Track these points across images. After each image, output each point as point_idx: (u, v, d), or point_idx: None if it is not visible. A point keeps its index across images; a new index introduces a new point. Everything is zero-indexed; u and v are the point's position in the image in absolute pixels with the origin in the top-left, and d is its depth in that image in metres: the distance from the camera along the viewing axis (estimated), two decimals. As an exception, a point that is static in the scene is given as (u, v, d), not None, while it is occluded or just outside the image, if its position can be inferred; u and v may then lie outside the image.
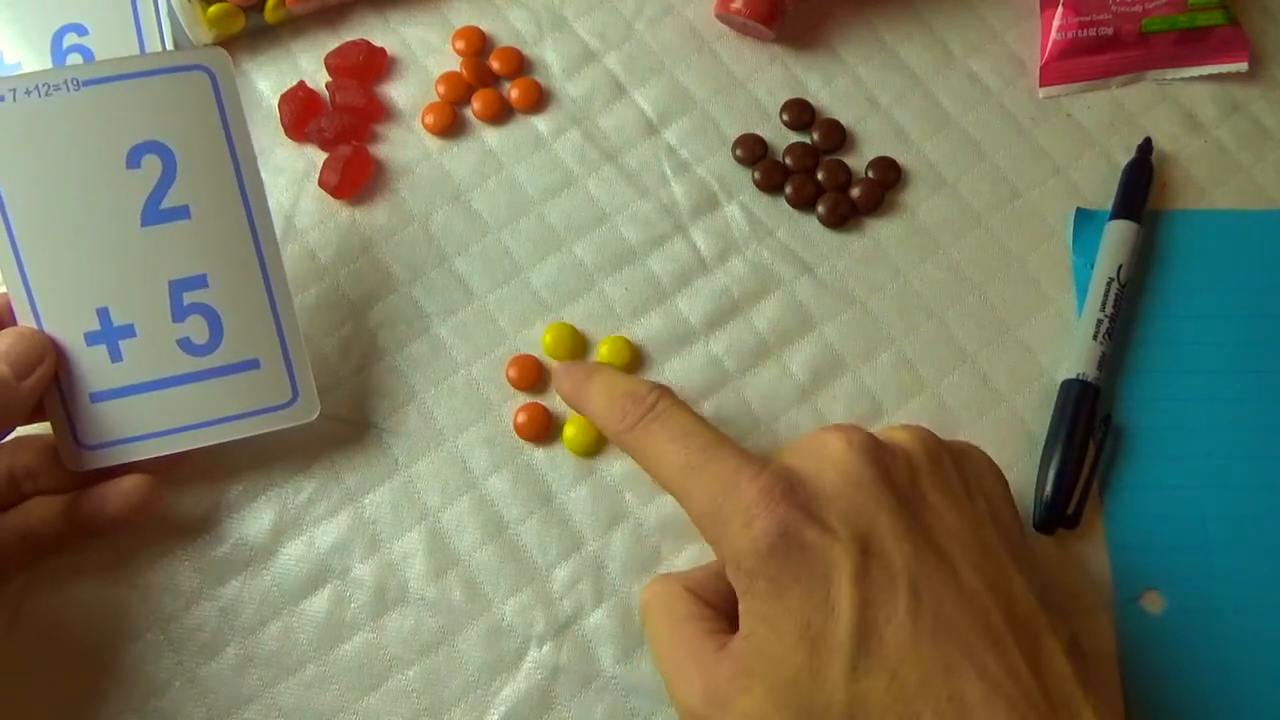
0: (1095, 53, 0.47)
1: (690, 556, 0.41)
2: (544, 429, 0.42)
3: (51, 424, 0.38)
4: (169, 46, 0.44)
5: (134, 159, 0.37)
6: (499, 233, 0.45)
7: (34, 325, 0.37)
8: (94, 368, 0.38)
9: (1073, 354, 0.42)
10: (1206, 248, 0.45)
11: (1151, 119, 0.47)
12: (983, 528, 0.33)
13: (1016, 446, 0.42)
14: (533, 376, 0.43)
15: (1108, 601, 0.40)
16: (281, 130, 0.46)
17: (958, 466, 0.34)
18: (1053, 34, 0.47)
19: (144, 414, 0.38)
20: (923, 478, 0.33)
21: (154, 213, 0.38)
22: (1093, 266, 0.44)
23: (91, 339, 0.38)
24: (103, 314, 0.38)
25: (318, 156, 0.46)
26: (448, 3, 0.49)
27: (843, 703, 0.30)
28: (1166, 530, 0.41)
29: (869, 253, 0.45)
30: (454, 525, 0.41)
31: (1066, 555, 0.41)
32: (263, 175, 0.46)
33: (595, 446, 0.42)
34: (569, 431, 0.42)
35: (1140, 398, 0.43)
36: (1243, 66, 0.47)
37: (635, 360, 0.43)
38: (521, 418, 0.42)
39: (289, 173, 0.46)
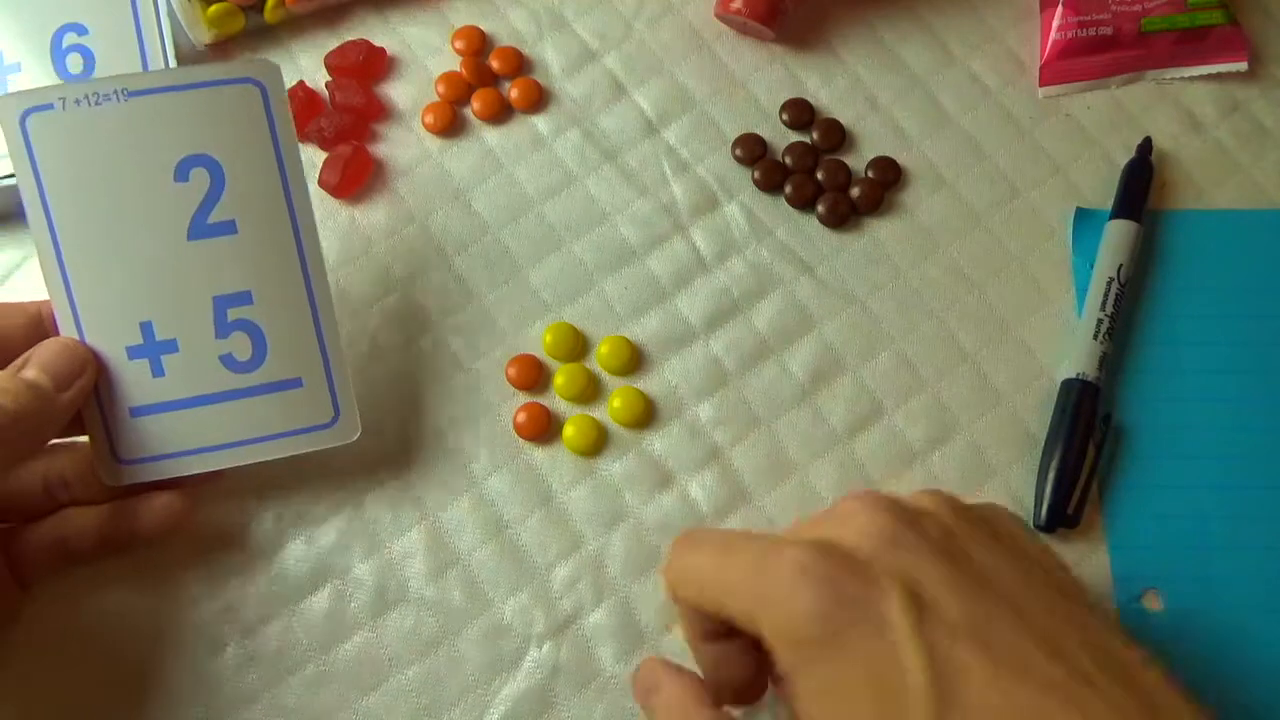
0: (1095, 52, 0.47)
1: (690, 556, 0.41)
2: (544, 429, 0.42)
3: (90, 437, 0.37)
4: (169, 47, 0.44)
5: (182, 172, 0.37)
6: (499, 232, 0.45)
7: (76, 336, 0.37)
8: (135, 382, 0.37)
9: (1073, 353, 0.42)
10: (1206, 248, 0.45)
11: (1151, 119, 0.47)
12: (1033, 572, 0.31)
13: (1016, 446, 0.42)
14: (533, 376, 0.43)
15: (1108, 601, 0.40)
16: (281, 130, 0.46)
17: (986, 521, 0.32)
18: (1052, 34, 0.47)
19: (183, 430, 0.38)
20: (957, 534, 0.31)
21: (201, 226, 0.37)
22: (1093, 266, 0.44)
23: (133, 353, 0.37)
24: (146, 328, 0.37)
25: (317, 156, 0.46)
26: (448, 2, 0.49)
27: None
28: (1166, 530, 0.41)
29: (869, 252, 0.45)
30: (454, 525, 0.41)
31: (1066, 555, 0.41)
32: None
33: (595, 446, 0.42)
34: (569, 431, 0.42)
35: (1140, 398, 0.43)
36: (1242, 66, 0.47)
37: (635, 360, 0.43)
38: (521, 417, 0.42)
39: (289, 172, 0.46)
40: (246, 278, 0.38)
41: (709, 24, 0.48)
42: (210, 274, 0.37)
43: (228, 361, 0.38)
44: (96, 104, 0.36)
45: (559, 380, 0.43)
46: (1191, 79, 0.48)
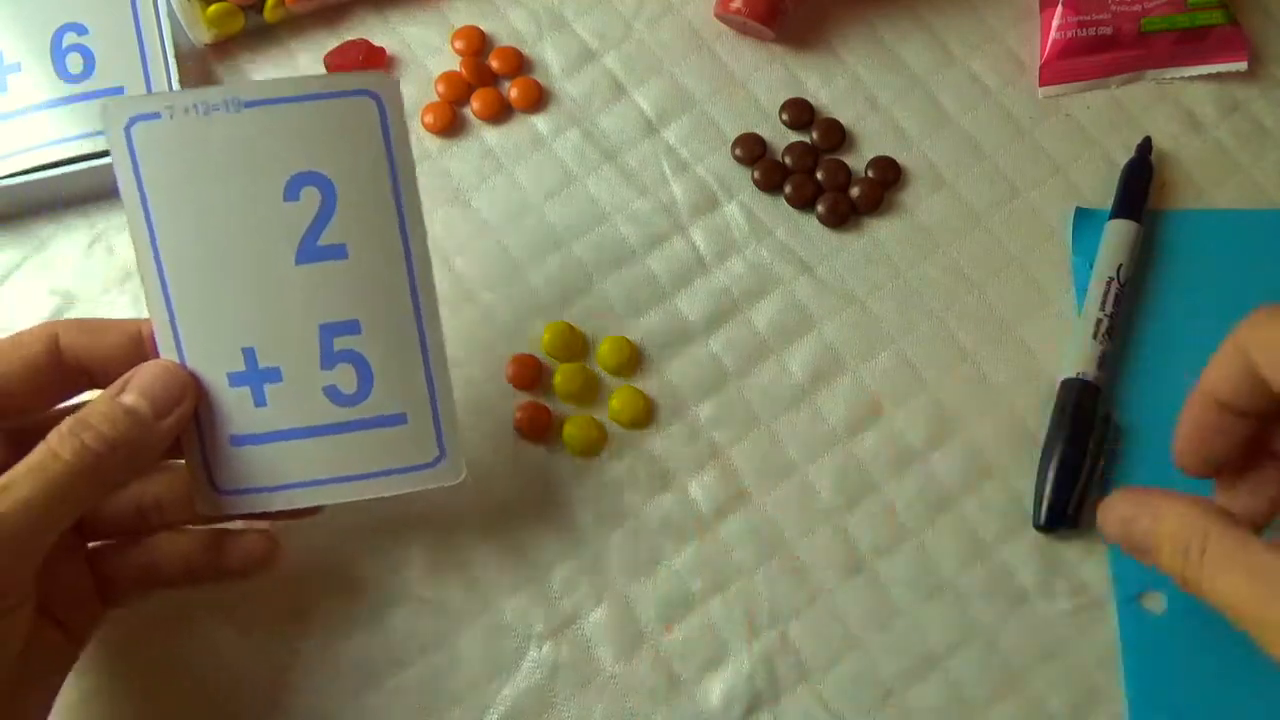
0: (1095, 52, 0.47)
1: (689, 557, 0.41)
2: (544, 428, 0.42)
3: (187, 465, 0.36)
4: (169, 46, 0.44)
5: (292, 190, 0.34)
6: (499, 232, 0.45)
7: (176, 359, 0.35)
8: (235, 410, 0.35)
9: (1073, 353, 0.42)
10: (1206, 248, 0.45)
11: (1151, 118, 0.47)
12: None
13: (1016, 446, 0.42)
14: (532, 376, 0.43)
15: (1108, 601, 0.40)
16: (281, 130, 0.46)
17: None
18: (1052, 33, 0.47)
19: (283, 463, 0.36)
20: None
21: (310, 249, 0.35)
22: (1092, 266, 0.44)
23: (235, 380, 0.35)
24: (249, 354, 0.35)
25: (317, 156, 0.46)
26: (447, 2, 0.49)
27: None
28: None
29: (868, 252, 0.45)
30: (453, 524, 0.41)
31: (1066, 555, 0.41)
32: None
33: (595, 446, 0.42)
34: (569, 431, 0.42)
35: (1140, 397, 0.43)
36: (1242, 66, 0.47)
37: (635, 360, 0.43)
38: (521, 417, 0.42)
39: (288, 172, 0.46)
40: (355, 306, 0.35)
41: (709, 24, 0.48)
42: (318, 300, 0.35)
43: (331, 393, 0.36)
44: (206, 114, 0.34)
45: (559, 380, 0.43)
46: (1191, 79, 0.48)
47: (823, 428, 0.43)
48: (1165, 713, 0.39)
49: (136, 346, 0.36)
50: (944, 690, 0.39)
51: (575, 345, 0.43)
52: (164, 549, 0.37)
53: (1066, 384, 0.42)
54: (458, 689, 0.39)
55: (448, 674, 0.40)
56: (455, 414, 0.37)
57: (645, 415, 0.43)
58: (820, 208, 0.45)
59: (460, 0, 0.49)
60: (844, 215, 0.45)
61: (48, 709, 0.35)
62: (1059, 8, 0.47)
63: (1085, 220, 0.45)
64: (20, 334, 0.35)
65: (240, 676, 0.39)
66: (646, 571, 0.41)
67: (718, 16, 0.48)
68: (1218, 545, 0.31)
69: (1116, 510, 0.34)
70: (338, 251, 0.35)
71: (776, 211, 0.46)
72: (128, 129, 0.34)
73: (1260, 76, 0.48)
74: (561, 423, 0.42)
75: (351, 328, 0.35)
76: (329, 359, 0.35)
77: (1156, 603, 0.40)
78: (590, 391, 0.43)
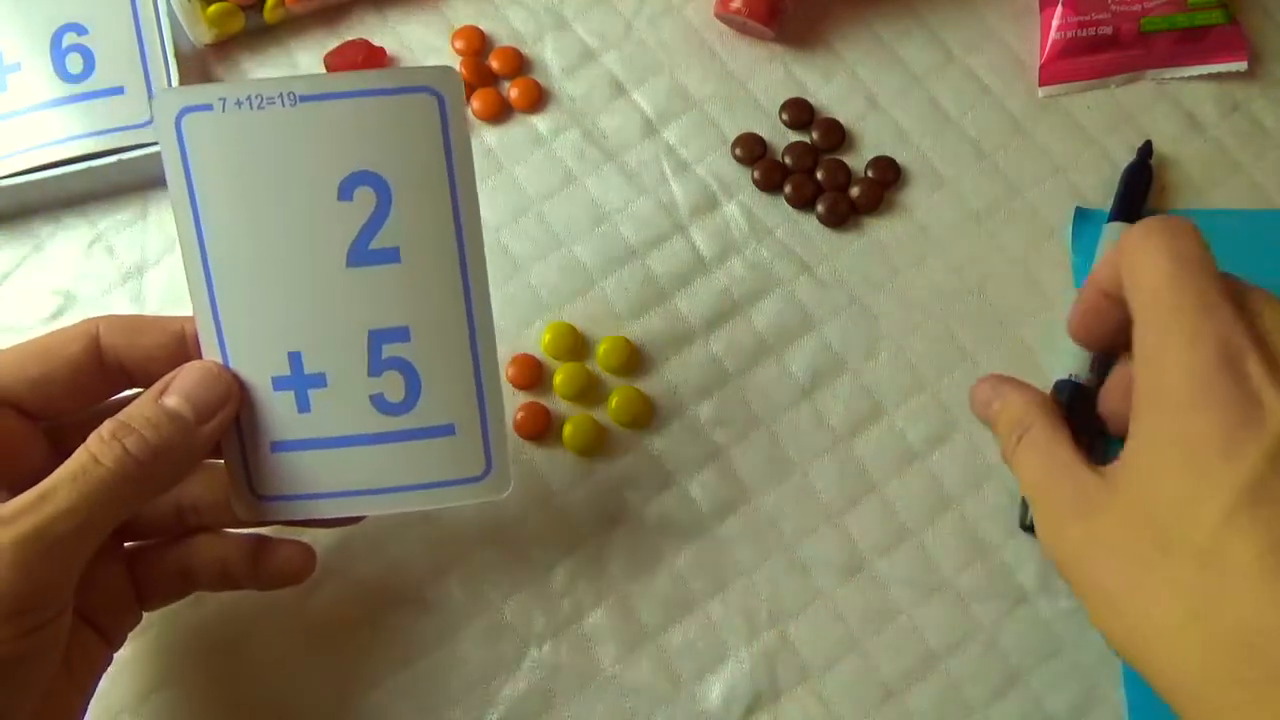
0: (1095, 52, 0.47)
1: (690, 555, 0.41)
2: (544, 428, 0.42)
3: (228, 469, 0.35)
4: (169, 46, 0.44)
5: (346, 190, 0.33)
6: (499, 232, 0.45)
7: (219, 361, 0.34)
8: (279, 416, 0.34)
9: (1065, 355, 0.42)
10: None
11: (1151, 118, 0.47)
12: None
13: (1016, 446, 0.42)
14: (532, 376, 0.43)
15: None
16: (281, 130, 0.46)
17: None
18: (1052, 33, 0.47)
19: (325, 471, 0.35)
20: None
21: (362, 252, 0.33)
22: (1091, 266, 0.44)
23: (279, 384, 0.34)
24: (294, 359, 0.34)
25: (317, 156, 0.46)
26: (447, 2, 0.49)
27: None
28: None
29: (868, 252, 0.45)
30: (454, 524, 0.41)
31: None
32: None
33: (595, 446, 0.42)
34: (569, 431, 0.42)
35: None
36: (1242, 66, 0.47)
37: (635, 360, 0.43)
38: (521, 416, 0.42)
39: (288, 172, 0.46)
40: (406, 312, 0.34)
41: (709, 24, 0.48)
42: (368, 306, 0.34)
43: (378, 402, 0.34)
44: (260, 108, 0.32)
45: (559, 380, 0.43)
46: (1191, 79, 0.48)
47: (823, 428, 0.43)
48: (1165, 712, 0.39)
49: (179, 346, 0.35)
50: (944, 690, 0.39)
51: (575, 345, 0.43)
52: (201, 553, 0.36)
53: (1059, 385, 0.42)
54: (458, 689, 0.39)
55: (448, 674, 0.40)
56: (505, 426, 0.35)
57: (645, 415, 0.43)
58: (820, 208, 0.45)
59: (460, 0, 0.49)
60: (844, 215, 0.45)
61: (83, 711, 0.34)
62: (1059, 7, 0.47)
63: (1085, 220, 0.45)
64: (60, 332, 0.35)
65: (241, 676, 0.39)
66: (646, 571, 0.41)
67: (718, 16, 0.48)
68: (1034, 434, 0.34)
69: (980, 392, 0.38)
70: (390, 255, 0.34)
71: (776, 211, 0.46)
72: (178, 120, 0.32)
73: (1260, 76, 0.48)
74: (561, 423, 0.42)
75: (401, 335, 0.34)
76: (377, 366, 0.34)
77: None
78: (590, 391, 0.43)
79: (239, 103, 0.32)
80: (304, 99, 0.33)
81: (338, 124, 0.33)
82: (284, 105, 0.33)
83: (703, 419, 0.43)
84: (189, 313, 0.34)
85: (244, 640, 0.40)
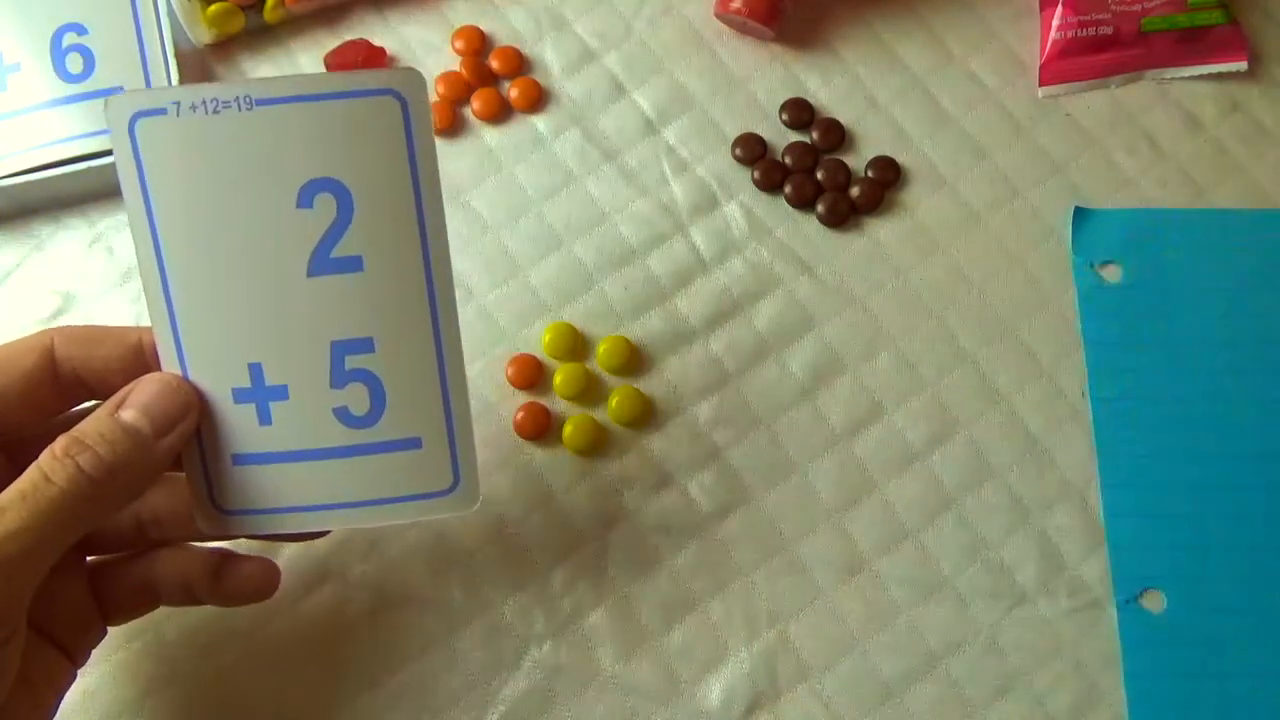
0: (1095, 52, 0.47)
1: (690, 555, 0.41)
2: (544, 428, 0.42)
3: (189, 482, 0.34)
4: (169, 46, 0.44)
5: (306, 197, 0.32)
6: (499, 232, 0.45)
7: (178, 372, 0.33)
8: (239, 428, 0.33)
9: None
10: (1206, 248, 0.45)
11: (1151, 118, 0.47)
12: None
13: (1016, 446, 0.42)
14: (532, 376, 0.43)
15: (1108, 601, 0.40)
16: (281, 130, 0.46)
17: None
18: (1052, 33, 0.47)
19: (289, 485, 0.34)
20: None
21: (323, 261, 0.32)
22: (1093, 266, 0.44)
23: (239, 396, 0.33)
24: (255, 370, 0.33)
25: (317, 156, 0.46)
26: (447, 2, 0.49)
27: None
28: (1166, 529, 0.41)
29: (868, 252, 0.45)
30: (453, 525, 0.41)
31: (1069, 555, 0.41)
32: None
33: (595, 446, 0.42)
34: (568, 431, 0.42)
35: (1140, 397, 0.43)
36: (1242, 66, 0.47)
37: (635, 360, 0.43)
38: (521, 417, 0.42)
39: (288, 172, 0.46)
40: (370, 323, 0.33)
41: (709, 24, 0.48)
42: (330, 316, 0.33)
43: (342, 415, 0.33)
44: (215, 112, 0.31)
45: (558, 380, 0.43)
46: (1191, 79, 0.48)
47: (823, 428, 0.43)
48: (1165, 712, 0.39)
49: (136, 357, 0.34)
50: (944, 690, 0.39)
51: (575, 345, 0.43)
52: (164, 567, 0.35)
53: None
54: (458, 689, 0.39)
55: (448, 674, 0.40)
56: (472, 438, 0.35)
57: (645, 415, 0.43)
58: (820, 208, 0.45)
59: (460, 0, 0.49)
60: (844, 215, 0.45)
61: None
62: (1059, 7, 0.47)
63: (1085, 220, 0.45)
64: (13, 344, 0.34)
65: (240, 677, 0.39)
66: (646, 572, 0.41)
67: (718, 16, 0.48)
68: None
69: None
70: (353, 264, 0.33)
71: (776, 211, 0.46)
72: (131, 125, 0.32)
73: (1260, 76, 0.48)
74: (561, 423, 0.42)
75: (365, 346, 0.33)
76: (340, 378, 0.33)
77: (1156, 602, 0.40)
78: (590, 391, 0.43)
79: (194, 106, 0.31)
80: (260, 103, 0.32)
81: (296, 129, 0.32)
82: (240, 109, 0.32)
83: (703, 419, 0.43)
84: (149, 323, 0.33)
85: (243, 640, 0.40)
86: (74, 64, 0.44)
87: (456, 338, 0.34)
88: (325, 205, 0.32)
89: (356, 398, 0.33)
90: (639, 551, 0.41)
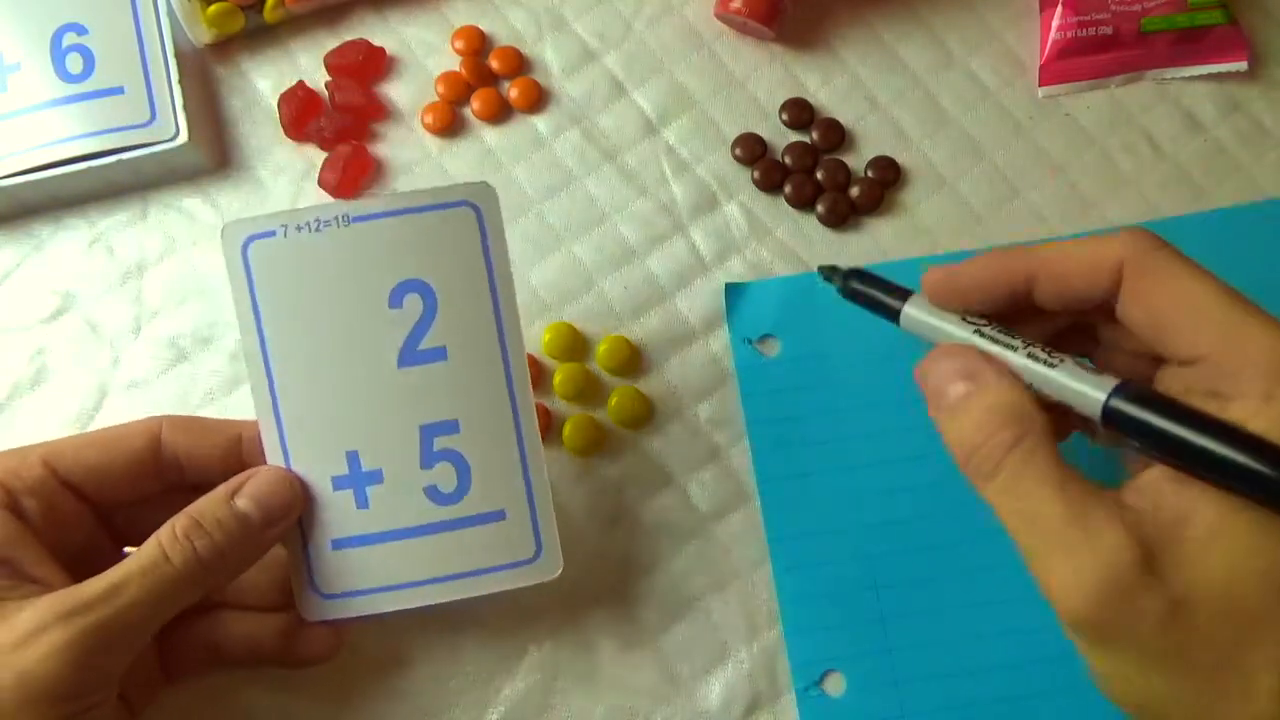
0: (1094, 52, 0.47)
1: (690, 554, 0.41)
2: (544, 428, 0.42)
3: (291, 569, 0.36)
4: (169, 46, 0.44)
5: (396, 297, 0.36)
6: (498, 232, 0.45)
7: (282, 463, 0.36)
8: (338, 514, 0.36)
9: None
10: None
11: (1151, 119, 0.47)
12: None
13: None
14: (533, 376, 0.43)
15: (788, 692, 0.40)
16: (281, 130, 0.46)
17: None
18: (1052, 33, 0.47)
19: (384, 565, 0.36)
20: None
21: (411, 353, 0.36)
22: (749, 342, 0.43)
23: (338, 483, 0.36)
24: (352, 458, 0.36)
25: (317, 156, 0.46)
26: (447, 2, 0.49)
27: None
28: (842, 607, 0.40)
29: (869, 252, 0.45)
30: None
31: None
32: (261, 174, 0.46)
33: (595, 446, 0.42)
34: (568, 431, 0.42)
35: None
36: (1242, 66, 0.47)
37: (635, 360, 0.43)
38: (521, 417, 0.42)
39: (288, 172, 0.46)
40: (454, 406, 0.36)
41: (709, 24, 0.48)
42: (418, 402, 0.36)
43: (431, 493, 0.36)
44: (318, 230, 0.36)
45: (558, 380, 0.43)
46: (1191, 79, 0.48)
47: (822, 428, 0.43)
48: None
49: (235, 448, 0.36)
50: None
51: (575, 345, 0.43)
52: (230, 630, 0.37)
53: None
54: (458, 689, 0.39)
55: (448, 674, 0.40)
56: (551, 509, 0.37)
57: (645, 415, 0.43)
58: (820, 208, 0.45)
59: (460, 0, 0.49)
60: (844, 215, 0.45)
61: None
62: (1059, 8, 0.47)
63: (738, 295, 0.44)
64: (123, 427, 0.36)
65: (240, 677, 0.39)
66: (646, 570, 0.41)
67: (718, 16, 0.48)
68: (1035, 452, 0.27)
69: (941, 367, 0.30)
70: (438, 354, 0.36)
71: (776, 211, 0.46)
72: (244, 248, 0.35)
73: (1260, 76, 0.48)
74: (561, 423, 0.42)
75: (451, 427, 0.36)
76: (429, 458, 0.36)
77: (836, 685, 0.39)
78: (590, 391, 0.43)
79: (299, 228, 0.35)
80: (356, 219, 0.36)
81: (387, 239, 0.36)
82: (339, 226, 0.36)
83: (702, 419, 0.43)
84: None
85: (244, 640, 0.40)
86: (74, 64, 0.44)
87: (533, 415, 0.37)
88: (413, 304, 0.36)
89: (445, 476, 0.36)
90: (639, 552, 0.41)
